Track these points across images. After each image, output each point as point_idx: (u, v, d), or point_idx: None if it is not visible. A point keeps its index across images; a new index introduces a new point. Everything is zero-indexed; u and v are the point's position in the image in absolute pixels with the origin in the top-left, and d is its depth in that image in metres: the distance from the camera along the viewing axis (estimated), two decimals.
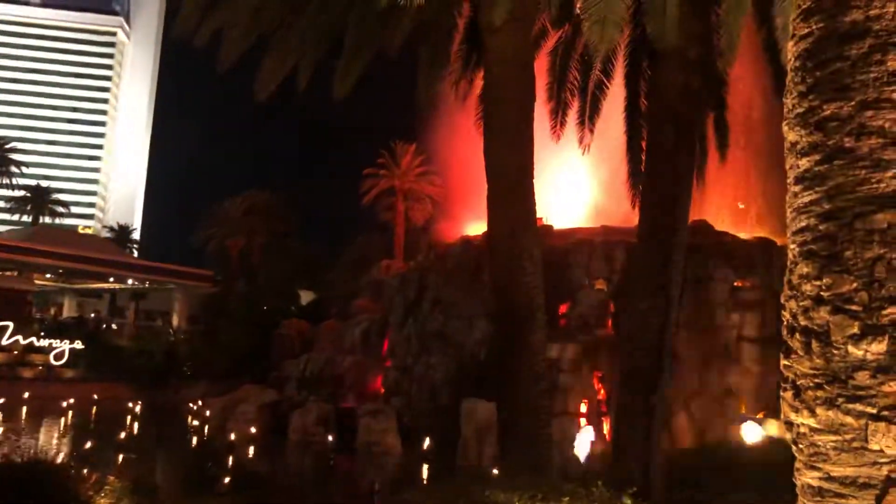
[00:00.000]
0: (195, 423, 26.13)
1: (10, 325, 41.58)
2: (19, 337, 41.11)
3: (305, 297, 52.62)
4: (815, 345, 3.65)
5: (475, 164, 29.15)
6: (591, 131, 18.47)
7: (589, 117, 18.22)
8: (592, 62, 17.28)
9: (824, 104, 3.93)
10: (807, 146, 3.97)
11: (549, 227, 28.14)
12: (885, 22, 3.82)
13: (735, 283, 25.13)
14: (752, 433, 19.32)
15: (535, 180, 11.98)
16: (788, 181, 4.13)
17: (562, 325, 25.16)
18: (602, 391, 21.91)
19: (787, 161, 4.20)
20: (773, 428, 18.92)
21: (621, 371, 10.10)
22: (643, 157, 14.40)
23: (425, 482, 17.21)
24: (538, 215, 12.35)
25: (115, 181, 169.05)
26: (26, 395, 32.89)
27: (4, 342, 40.57)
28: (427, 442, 21.90)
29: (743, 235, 29.55)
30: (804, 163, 3.97)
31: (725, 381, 23.79)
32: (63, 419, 27.42)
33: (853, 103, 3.82)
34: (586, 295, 26.30)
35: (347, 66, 15.35)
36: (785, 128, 4.23)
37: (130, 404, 30.14)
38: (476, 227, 31.16)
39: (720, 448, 12.48)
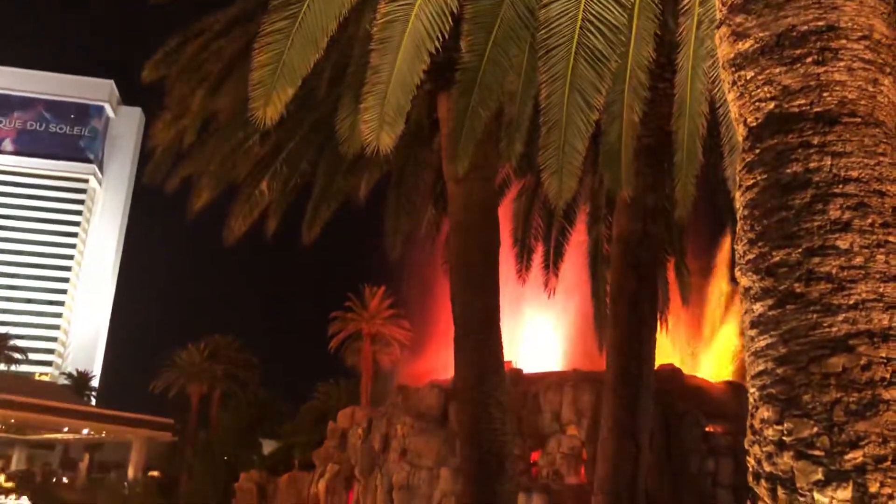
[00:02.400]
0: None
1: None
2: None
3: (268, 446, 50.74)
4: (780, 492, 3.57)
5: (443, 307, 29.30)
6: (556, 275, 18.81)
7: (553, 262, 18.59)
8: (555, 210, 17.87)
9: (773, 251, 4.07)
10: (759, 291, 4.07)
11: (519, 371, 27.94)
12: (824, 174, 4.04)
13: (707, 428, 24.89)
14: None
15: (502, 324, 12.02)
16: (744, 325, 4.19)
17: (533, 474, 24.48)
18: None
19: (742, 306, 4.29)
20: None
21: None
22: (608, 301, 14.62)
23: None
24: (507, 359, 12.29)
25: (77, 326, 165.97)
26: None
27: None
28: None
29: (713, 379, 29.60)
30: (758, 307, 4.05)
31: None
32: None
33: (800, 250, 3.96)
34: (557, 442, 25.79)
35: (315, 213, 15.64)
36: (738, 273, 4.34)
37: None
38: (445, 371, 30.85)
39: None
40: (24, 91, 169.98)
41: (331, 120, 12.27)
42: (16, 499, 39.69)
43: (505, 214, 16.46)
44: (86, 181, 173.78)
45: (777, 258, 4.03)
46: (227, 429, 48.91)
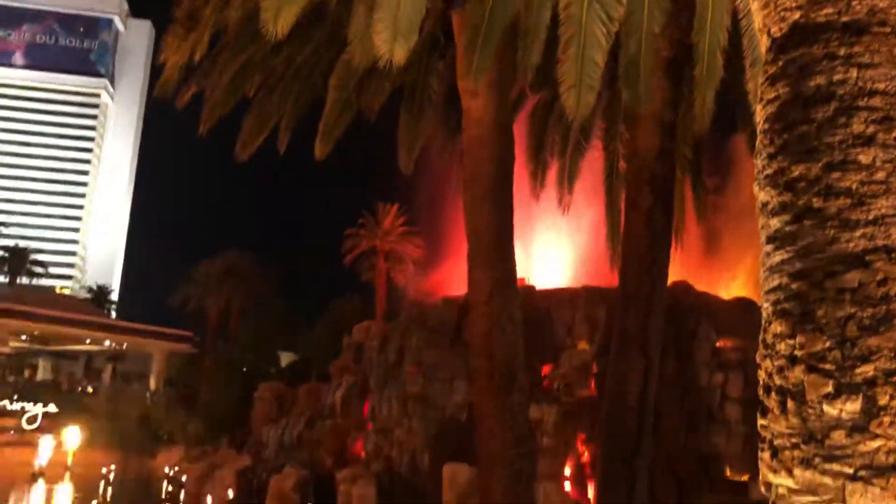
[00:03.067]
0: (170, 488, 25.45)
1: None
2: None
3: (285, 358, 52.01)
4: (790, 404, 3.63)
5: (456, 224, 29.35)
6: (570, 192, 18.73)
7: (568, 178, 18.48)
8: (571, 125, 17.63)
9: (792, 165, 4.01)
10: (777, 206, 4.03)
11: (531, 288, 28.20)
12: (849, 87, 3.93)
13: (717, 344, 25.19)
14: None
15: (515, 241, 12.04)
16: (761, 241, 4.18)
17: (545, 387, 24.99)
18: (586, 453, 21.64)
19: (759, 221, 4.26)
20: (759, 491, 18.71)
21: (603, 434, 9.98)
22: (622, 219, 14.57)
23: None
24: (520, 276, 12.37)
25: (94, 242, 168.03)
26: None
27: None
28: None
29: (724, 295, 29.76)
30: (775, 223, 4.02)
31: (710, 442, 23.62)
32: (34, 485, 26.60)
33: (820, 165, 3.89)
34: (569, 356, 26.22)
35: (327, 129, 15.51)
36: (756, 188, 4.30)
37: (105, 469, 29.31)
38: (458, 287, 31.16)
39: None
40: (33, 4, 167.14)
41: (343, 33, 12.03)
42: (44, 407, 41.06)
43: (519, 131, 16.26)
44: (97, 96, 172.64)
45: (796, 173, 3.98)
46: (244, 342, 50.02)
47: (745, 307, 27.43)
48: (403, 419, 27.28)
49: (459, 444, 22.84)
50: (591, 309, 26.91)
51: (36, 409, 40.49)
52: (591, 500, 19.13)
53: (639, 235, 11.14)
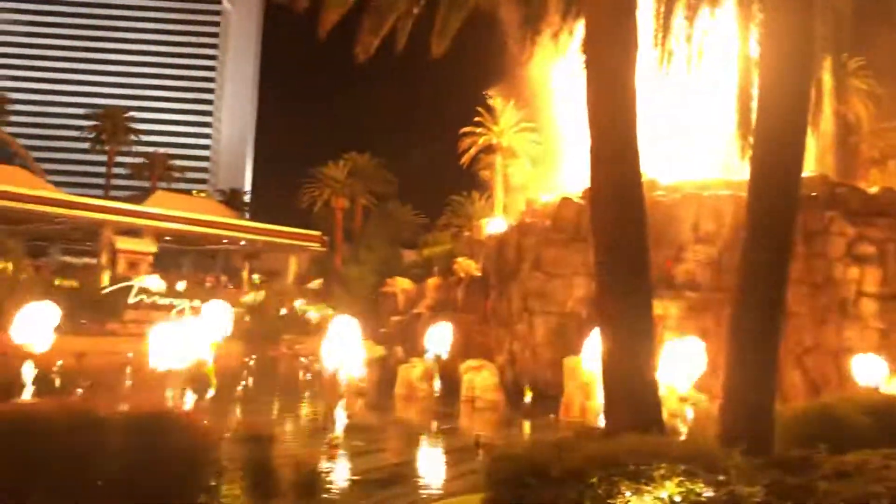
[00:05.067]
0: (308, 376, 27.23)
1: (135, 284, 44.38)
2: (143, 296, 43.77)
3: (407, 256, 53.55)
4: None
5: (574, 119, 28.59)
6: (698, 80, 17.86)
7: (696, 65, 17.57)
8: (699, 6, 16.59)
9: None
10: None
11: (654, 182, 27.45)
12: None
13: (853, 236, 23.91)
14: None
15: (638, 133, 11.67)
16: None
17: (670, 281, 24.68)
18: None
19: None
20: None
21: (732, 327, 9.81)
22: (753, 107, 13.77)
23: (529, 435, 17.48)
24: (643, 168, 12.03)
25: (224, 147, 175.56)
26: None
27: (130, 300, 43.31)
28: (529, 397, 22.12)
29: (863, 186, 27.98)
30: None
31: (843, 337, 22.82)
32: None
33: None
34: (694, 252, 25.65)
35: (444, 24, 15.29)
36: None
37: (247, 359, 31.57)
38: (577, 182, 30.72)
39: (837, 407, 11.92)
40: None
41: None
42: (189, 302, 44.26)
43: (641, 18, 15.48)
44: (219, 2, 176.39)
45: None
46: (369, 241, 51.71)
47: (887, 199, 25.76)
48: (524, 314, 27.79)
49: (579, 338, 23.10)
50: (719, 202, 26.02)
51: (183, 303, 43.73)
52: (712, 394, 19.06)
53: (773, 124, 10.52)
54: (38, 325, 20.95)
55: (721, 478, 6.50)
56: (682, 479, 6.31)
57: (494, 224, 37.17)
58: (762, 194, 10.00)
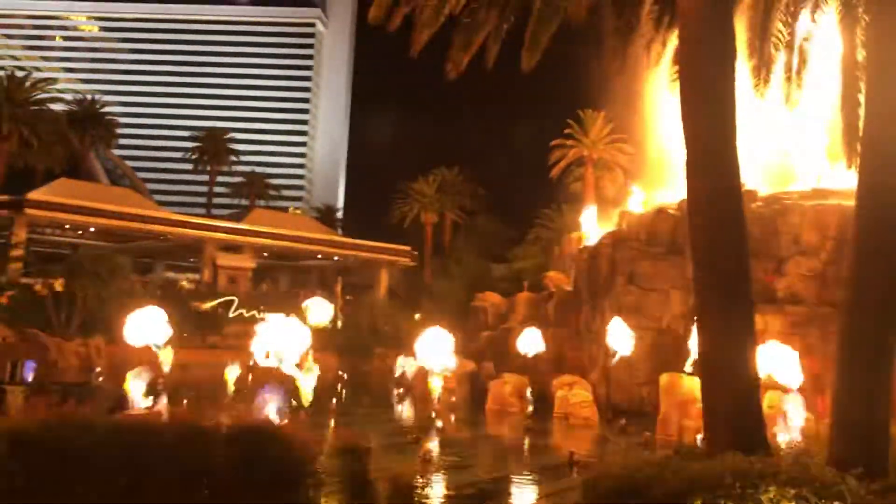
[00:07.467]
0: (400, 390, 27.50)
1: (236, 299, 46.01)
2: (243, 310, 45.29)
3: (497, 270, 53.46)
4: None
5: (668, 130, 27.98)
6: (799, 86, 17.20)
7: (797, 72, 16.95)
8: (798, 11, 16.00)
9: None
10: None
11: (753, 193, 26.54)
12: None
13: None
14: None
15: (738, 143, 11.33)
16: None
17: (768, 297, 23.76)
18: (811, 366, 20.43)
19: None
20: None
21: (841, 343, 9.32)
22: (860, 114, 13.14)
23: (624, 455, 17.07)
24: (743, 179, 11.64)
25: (318, 164, 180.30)
26: (251, 363, 36.07)
27: (231, 315, 44.89)
28: (624, 415, 21.67)
29: None
30: None
31: None
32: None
33: None
34: (796, 264, 24.64)
35: (533, 38, 15.29)
36: None
37: (341, 372, 32.14)
38: (670, 195, 30.03)
39: None
40: None
41: None
42: (286, 316, 45.40)
43: (739, 25, 15.04)
44: (312, 25, 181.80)
45: None
46: (458, 255, 51.96)
47: None
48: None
49: (676, 355, 22.49)
50: (821, 214, 24.93)
51: (279, 316, 44.88)
52: (824, 410, 18.16)
53: (883, 131, 9.99)
54: (151, 329, 22.50)
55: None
56: None
57: (587, 237, 36.72)
58: (871, 204, 9.51)
